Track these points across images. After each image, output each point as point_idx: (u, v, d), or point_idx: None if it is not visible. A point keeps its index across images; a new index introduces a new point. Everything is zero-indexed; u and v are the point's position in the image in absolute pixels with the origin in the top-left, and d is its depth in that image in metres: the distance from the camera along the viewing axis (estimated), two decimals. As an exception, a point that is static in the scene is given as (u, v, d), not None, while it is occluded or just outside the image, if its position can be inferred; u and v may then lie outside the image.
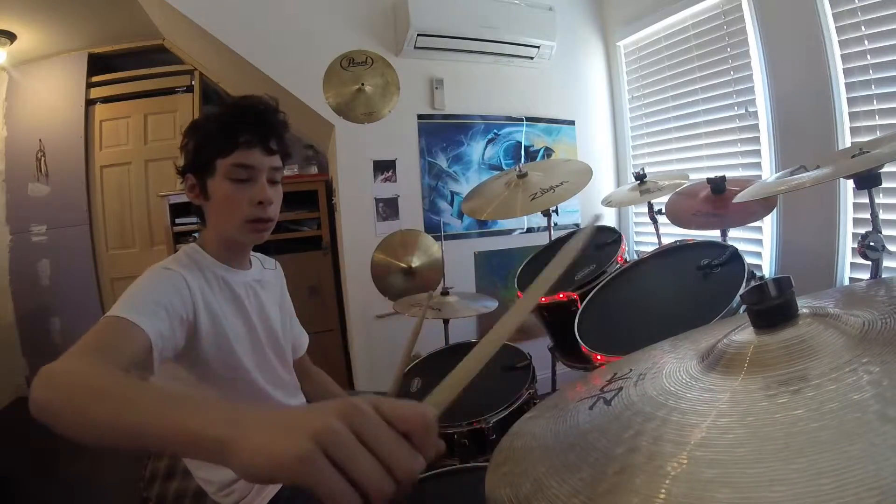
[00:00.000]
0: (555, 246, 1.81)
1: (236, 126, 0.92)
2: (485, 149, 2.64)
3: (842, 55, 1.72)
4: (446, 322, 1.86)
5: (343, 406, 0.38)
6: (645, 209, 1.95)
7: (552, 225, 1.94)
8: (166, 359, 0.81)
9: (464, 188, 2.55)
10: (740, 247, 1.16)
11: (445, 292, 1.80)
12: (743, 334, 0.46)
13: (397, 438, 0.38)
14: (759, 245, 2.12)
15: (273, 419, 0.40)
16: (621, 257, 1.42)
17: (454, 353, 1.63)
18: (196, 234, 2.62)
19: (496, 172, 2.48)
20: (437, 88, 2.51)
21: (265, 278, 1.11)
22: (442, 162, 2.55)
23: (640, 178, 1.87)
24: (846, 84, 1.73)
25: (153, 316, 0.77)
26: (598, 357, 1.04)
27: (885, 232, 1.14)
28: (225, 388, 0.94)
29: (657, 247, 1.45)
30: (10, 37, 2.83)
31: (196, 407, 0.46)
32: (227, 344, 0.93)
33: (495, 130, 2.66)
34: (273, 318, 1.08)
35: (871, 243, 1.08)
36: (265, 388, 1.02)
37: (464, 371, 0.46)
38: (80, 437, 0.52)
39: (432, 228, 2.43)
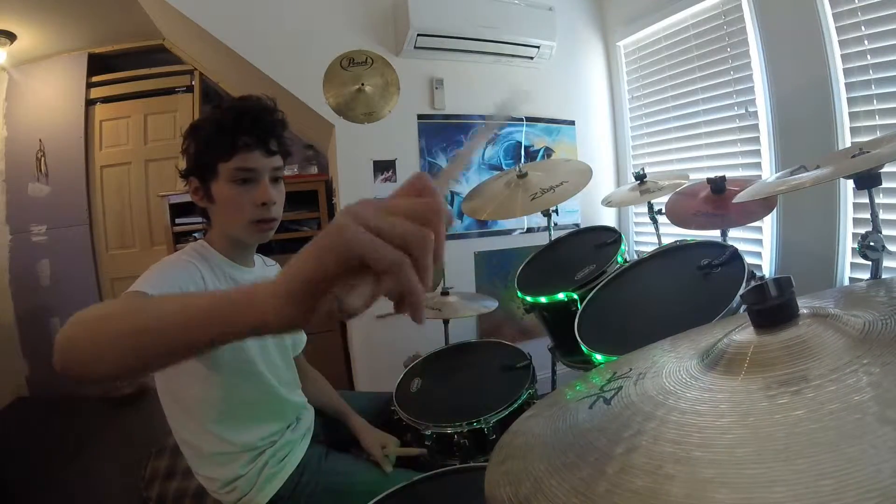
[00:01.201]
0: (555, 246, 1.81)
1: (235, 130, 0.92)
2: (485, 149, 2.64)
3: (842, 55, 1.72)
4: (446, 322, 1.86)
5: (356, 203, 0.40)
6: (645, 209, 1.95)
7: (552, 225, 1.94)
8: None
9: (464, 188, 2.55)
10: (740, 247, 1.16)
11: (445, 292, 1.80)
12: (743, 334, 0.46)
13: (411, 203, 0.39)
14: (759, 245, 2.12)
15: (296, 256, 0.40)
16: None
17: (454, 352, 1.64)
18: (196, 235, 2.62)
19: (496, 172, 2.48)
20: (437, 88, 2.51)
21: (268, 276, 1.11)
22: (442, 162, 2.55)
23: (640, 178, 1.87)
24: (846, 84, 1.73)
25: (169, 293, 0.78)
26: (598, 357, 1.04)
27: (885, 232, 1.13)
28: (233, 378, 0.96)
29: (657, 247, 1.45)
30: (10, 37, 2.83)
31: (213, 293, 0.49)
32: None
33: (495, 130, 2.66)
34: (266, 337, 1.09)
35: (871, 243, 1.08)
36: (270, 381, 1.03)
37: (462, 156, 0.48)
38: (103, 365, 0.50)
39: (432, 228, 2.43)
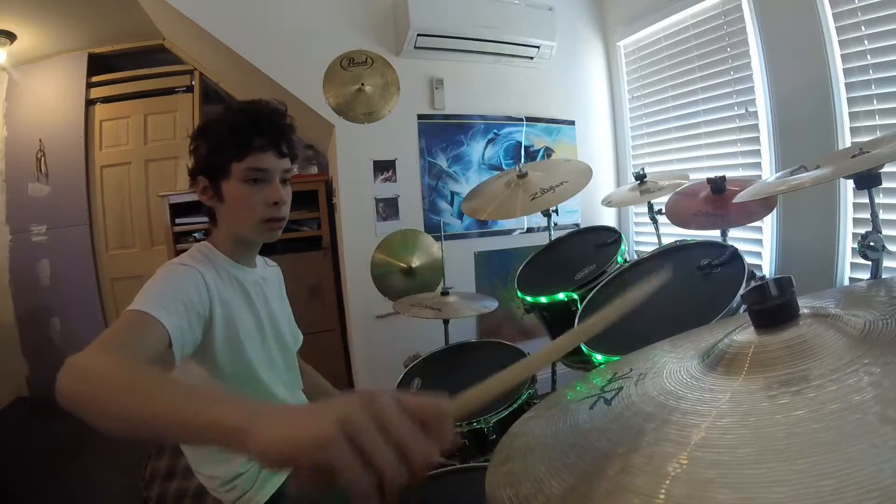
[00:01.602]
0: (555, 246, 1.81)
1: (250, 131, 0.95)
2: (485, 149, 2.64)
3: (842, 55, 1.72)
4: (446, 322, 1.86)
5: (363, 396, 0.40)
6: (645, 209, 1.95)
7: (552, 225, 1.94)
8: (187, 354, 0.84)
9: (464, 188, 2.55)
10: (740, 247, 1.16)
11: (445, 292, 1.80)
12: (744, 334, 0.46)
13: (413, 427, 0.39)
14: (759, 245, 2.12)
15: (293, 409, 0.46)
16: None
17: (454, 352, 1.64)
18: (196, 235, 2.62)
19: (496, 172, 2.48)
20: (437, 88, 2.51)
21: (268, 276, 1.15)
22: (442, 162, 2.55)
23: (640, 178, 1.87)
24: (846, 84, 1.73)
25: (173, 312, 0.79)
26: (598, 357, 1.04)
27: (885, 232, 1.13)
28: (232, 383, 0.96)
29: (657, 247, 1.45)
30: (10, 37, 2.83)
31: (216, 399, 0.50)
32: (237, 339, 0.95)
33: (495, 130, 2.66)
34: (278, 316, 1.11)
35: (871, 243, 1.08)
36: (270, 385, 1.03)
37: (494, 384, 0.47)
38: (107, 427, 0.54)
39: (432, 228, 2.43)
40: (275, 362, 1.07)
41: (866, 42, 1.65)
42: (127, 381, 0.58)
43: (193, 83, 3.23)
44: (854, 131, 1.73)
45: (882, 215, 1.26)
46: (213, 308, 0.90)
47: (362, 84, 1.87)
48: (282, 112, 1.00)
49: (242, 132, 0.95)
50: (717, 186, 1.61)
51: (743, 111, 2.14)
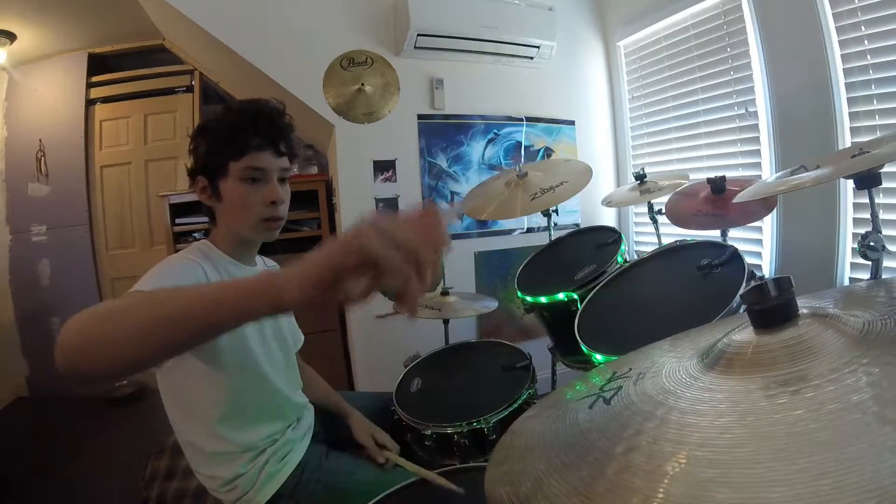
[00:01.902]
0: (555, 246, 1.81)
1: (247, 130, 0.95)
2: (485, 149, 2.64)
3: (842, 55, 1.72)
4: (446, 322, 1.86)
5: (376, 215, 0.48)
6: (645, 209, 1.95)
7: (552, 225, 1.94)
8: None
9: (464, 188, 2.55)
10: (740, 247, 1.16)
11: (445, 292, 1.80)
12: (743, 334, 0.46)
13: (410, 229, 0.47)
14: (759, 245, 2.12)
15: (308, 255, 0.48)
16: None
17: (454, 352, 1.64)
18: (196, 235, 2.62)
19: (496, 172, 2.48)
20: (437, 88, 2.51)
21: None
22: (442, 162, 2.55)
23: (640, 178, 1.87)
24: (846, 84, 1.73)
25: None
26: (598, 357, 1.04)
27: (885, 232, 1.13)
28: (236, 378, 0.96)
29: (657, 247, 1.45)
30: (10, 37, 2.83)
31: (230, 282, 0.54)
32: (240, 333, 0.95)
33: (495, 130, 2.66)
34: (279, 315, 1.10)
35: (871, 243, 1.08)
36: (273, 381, 1.04)
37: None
38: (131, 351, 0.51)
39: (432, 228, 2.43)
40: (275, 360, 1.08)
41: (866, 42, 1.65)
42: (138, 301, 0.56)
43: (193, 83, 3.23)
44: (854, 131, 1.73)
45: (882, 215, 1.26)
46: None
47: (362, 84, 1.88)
48: (280, 111, 1.01)
49: (240, 131, 0.95)
50: (717, 186, 1.61)
51: (743, 111, 2.14)
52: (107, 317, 0.54)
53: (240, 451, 0.99)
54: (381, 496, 0.85)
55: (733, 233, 1.89)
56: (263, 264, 1.17)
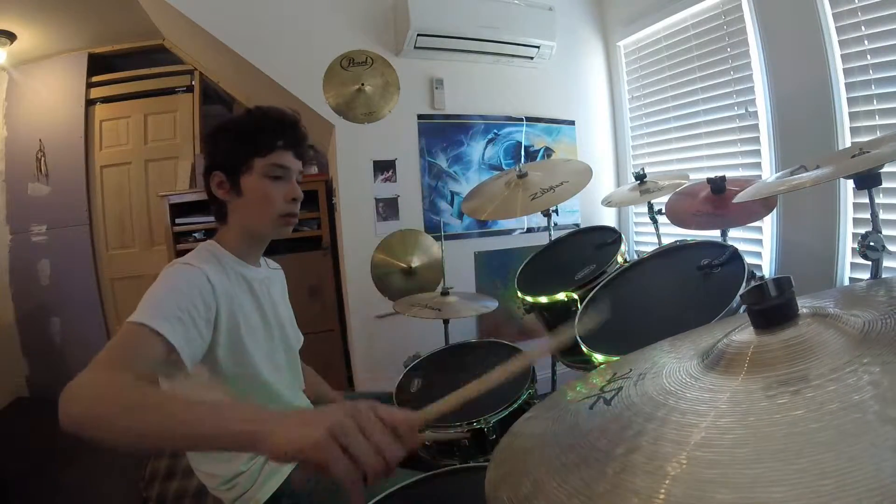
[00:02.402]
0: (555, 246, 1.81)
1: (275, 130, 1.02)
2: (485, 149, 2.64)
3: (842, 55, 1.72)
4: (446, 322, 1.86)
5: (349, 406, 0.55)
6: (645, 209, 1.95)
7: (552, 225, 1.94)
8: (198, 360, 0.85)
9: (464, 188, 2.55)
10: (740, 247, 1.16)
11: (445, 292, 1.80)
12: (743, 334, 0.46)
13: (386, 431, 0.55)
14: (759, 245, 2.12)
15: (293, 416, 0.56)
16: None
17: (454, 352, 1.63)
18: (196, 234, 2.62)
19: (496, 172, 2.48)
20: (437, 88, 2.51)
21: (273, 276, 1.17)
22: (442, 162, 2.55)
23: (640, 178, 1.87)
24: (846, 84, 1.73)
25: (177, 322, 0.80)
26: (598, 357, 1.04)
27: (885, 232, 1.13)
28: (238, 386, 0.96)
29: (657, 247, 1.45)
30: (10, 37, 2.83)
31: (226, 409, 0.62)
32: (238, 339, 0.96)
33: (495, 130, 2.66)
34: (282, 316, 1.13)
35: (871, 243, 1.08)
36: (273, 384, 1.04)
37: (457, 397, 0.61)
38: (116, 445, 0.59)
39: (432, 228, 2.43)
40: (279, 361, 1.09)
41: (866, 42, 1.65)
42: (134, 400, 0.63)
43: (193, 83, 3.23)
44: (854, 131, 1.73)
45: (882, 215, 1.26)
46: (220, 308, 0.91)
47: (362, 84, 1.88)
48: (299, 120, 1.08)
49: (268, 130, 1.01)
50: (717, 186, 1.61)
51: (743, 111, 2.14)
52: (112, 408, 0.62)
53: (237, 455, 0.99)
54: (381, 496, 0.85)
55: (733, 233, 1.89)
56: (267, 266, 1.17)
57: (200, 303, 0.87)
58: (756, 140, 2.09)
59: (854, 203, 1.76)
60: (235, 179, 1.01)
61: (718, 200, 1.61)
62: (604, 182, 2.94)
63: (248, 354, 0.98)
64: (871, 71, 1.65)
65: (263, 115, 1.03)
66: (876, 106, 1.66)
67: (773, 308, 0.44)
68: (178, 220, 2.66)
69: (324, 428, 0.52)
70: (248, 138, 1.01)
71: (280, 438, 0.53)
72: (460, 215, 2.58)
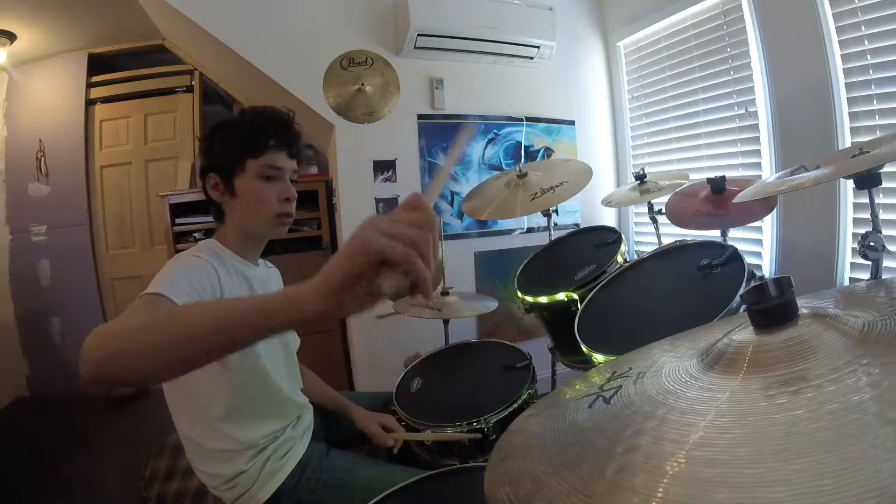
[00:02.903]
0: (555, 246, 1.81)
1: (267, 130, 1.02)
2: (485, 149, 2.64)
3: (842, 55, 1.72)
4: (446, 322, 1.86)
5: (370, 219, 0.51)
6: (645, 209, 1.95)
7: (552, 225, 1.94)
8: None
9: (464, 188, 2.55)
10: (740, 247, 1.16)
11: (445, 292, 1.80)
12: (743, 334, 0.46)
13: (408, 222, 0.51)
14: (759, 245, 2.12)
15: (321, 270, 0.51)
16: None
17: (454, 352, 1.64)
18: (196, 234, 2.62)
19: (496, 172, 2.48)
20: (437, 88, 2.51)
21: (270, 276, 1.18)
22: (442, 162, 2.55)
23: (640, 178, 1.87)
24: (846, 84, 1.73)
25: (186, 297, 0.80)
26: (598, 357, 1.04)
27: (885, 232, 1.13)
28: (240, 377, 0.97)
29: (657, 247, 1.45)
30: (10, 37, 2.83)
31: (253, 298, 0.57)
32: None
33: (495, 130, 2.66)
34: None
35: (871, 243, 1.08)
36: (275, 380, 1.05)
37: (439, 175, 0.63)
38: (146, 374, 0.57)
39: (432, 228, 2.43)
40: (278, 358, 1.09)
41: (866, 42, 1.65)
42: (167, 313, 0.62)
43: (193, 83, 3.23)
44: (854, 131, 1.73)
45: (882, 215, 1.26)
46: (224, 297, 0.92)
47: (362, 84, 1.88)
48: (293, 118, 1.08)
49: (260, 131, 1.01)
50: (717, 186, 1.61)
51: (743, 111, 2.13)
52: (139, 329, 0.58)
53: (241, 449, 1.00)
54: (381, 496, 0.85)
55: (733, 233, 1.88)
56: (265, 265, 1.18)
57: (208, 286, 0.88)
58: (756, 140, 2.09)
59: (854, 203, 1.76)
60: (230, 181, 1.02)
61: (718, 200, 1.60)
62: (604, 182, 2.94)
63: (251, 350, 0.98)
64: (871, 71, 1.65)
65: (255, 115, 1.04)
66: (876, 106, 1.66)
67: (773, 308, 0.44)
68: (178, 220, 2.66)
69: (361, 234, 0.48)
70: (240, 140, 1.01)
71: (323, 277, 0.49)
72: (460, 215, 2.58)
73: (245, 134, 1.01)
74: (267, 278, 1.14)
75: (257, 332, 0.53)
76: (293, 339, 1.24)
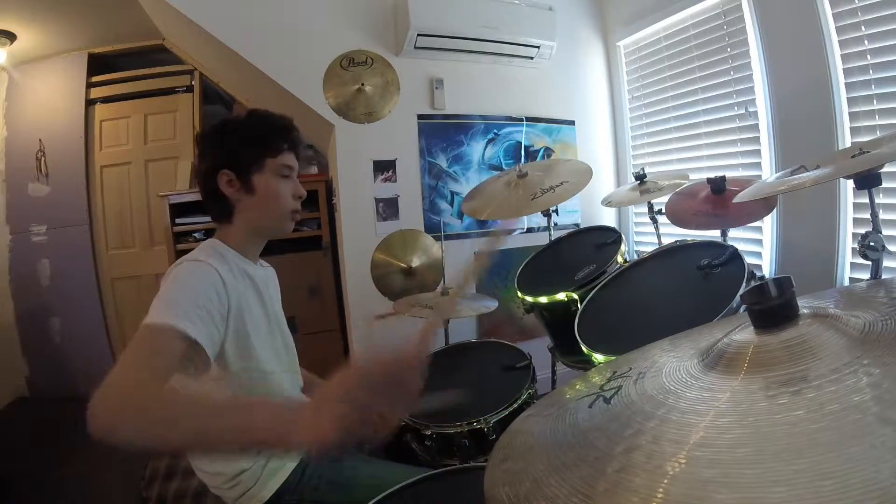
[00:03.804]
0: (555, 246, 1.81)
1: (283, 132, 1.07)
2: (485, 149, 2.64)
3: (842, 55, 1.72)
4: (446, 322, 1.86)
5: (356, 374, 0.61)
6: (645, 209, 1.95)
7: (552, 225, 1.94)
8: (216, 355, 0.88)
9: (464, 188, 2.55)
10: (740, 247, 1.16)
11: (445, 292, 1.80)
12: (743, 334, 0.46)
13: (394, 388, 0.61)
14: (759, 245, 2.12)
15: (306, 409, 0.61)
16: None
17: (454, 352, 1.64)
18: (196, 234, 2.62)
19: (496, 172, 2.48)
20: (437, 88, 2.51)
21: (269, 275, 1.19)
22: (442, 162, 2.55)
23: (640, 178, 1.87)
24: (846, 84, 1.73)
25: (198, 320, 0.82)
26: (598, 357, 1.04)
27: (885, 232, 1.13)
28: (245, 380, 0.97)
29: (657, 247, 1.45)
30: (10, 37, 2.83)
31: (247, 411, 0.64)
32: (244, 333, 0.97)
33: (495, 130, 2.66)
34: (279, 313, 1.15)
35: (871, 243, 1.08)
36: (280, 382, 1.06)
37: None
38: (143, 452, 0.69)
39: (432, 228, 2.43)
40: (280, 356, 1.10)
41: (866, 42, 1.65)
42: (168, 413, 0.65)
43: (193, 83, 3.23)
44: (854, 131, 1.73)
45: (882, 215, 1.26)
46: (230, 302, 0.93)
47: (362, 84, 1.88)
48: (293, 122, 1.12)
49: (279, 132, 1.06)
50: (717, 186, 1.61)
51: (743, 111, 2.13)
52: (143, 421, 0.63)
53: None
54: (381, 496, 0.85)
55: (733, 233, 1.88)
56: (261, 266, 1.18)
57: (215, 297, 0.88)
58: (756, 140, 2.09)
59: (854, 203, 1.76)
60: (247, 178, 1.03)
61: (718, 200, 1.61)
62: (604, 182, 2.94)
63: (252, 349, 0.99)
64: (871, 71, 1.65)
65: (267, 117, 1.08)
66: (876, 106, 1.66)
67: (773, 308, 0.44)
68: (178, 220, 2.66)
69: (334, 422, 0.57)
70: (259, 139, 1.05)
71: (301, 436, 0.58)
72: (460, 215, 2.58)
73: (265, 133, 1.05)
74: (267, 278, 1.15)
75: (256, 444, 0.65)
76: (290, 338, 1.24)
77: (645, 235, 2.85)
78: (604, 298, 1.29)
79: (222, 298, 0.90)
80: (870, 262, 1.10)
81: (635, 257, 1.74)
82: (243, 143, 1.04)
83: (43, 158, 3.10)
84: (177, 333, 0.77)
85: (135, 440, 0.61)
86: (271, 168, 1.04)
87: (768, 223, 2.05)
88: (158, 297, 0.83)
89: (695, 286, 1.14)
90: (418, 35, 2.29)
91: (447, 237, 2.38)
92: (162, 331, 0.77)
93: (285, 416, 0.61)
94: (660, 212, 1.83)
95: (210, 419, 0.63)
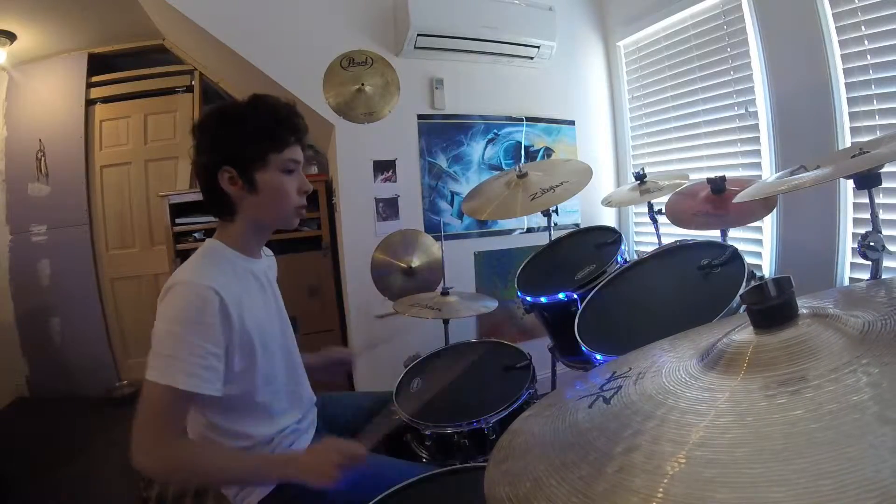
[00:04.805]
0: (555, 246, 1.81)
1: (287, 124, 1.00)
2: (485, 149, 2.64)
3: (842, 55, 1.72)
4: (446, 322, 1.86)
5: (335, 450, 0.91)
6: (645, 209, 1.95)
7: (552, 225, 1.94)
8: (222, 385, 0.90)
9: (464, 188, 2.54)
10: (740, 247, 1.16)
11: (445, 292, 1.80)
12: (743, 334, 0.46)
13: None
14: (759, 245, 2.12)
15: (309, 461, 0.90)
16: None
17: (454, 352, 1.63)
18: (196, 234, 2.62)
19: (496, 172, 2.48)
20: (437, 88, 2.51)
21: (270, 265, 1.18)
22: (442, 162, 2.55)
23: (640, 178, 1.87)
24: (846, 84, 1.73)
25: (202, 371, 0.84)
26: (598, 357, 1.04)
27: (885, 232, 1.13)
28: (257, 382, 0.98)
29: (657, 247, 1.45)
30: (10, 37, 2.83)
31: (264, 464, 0.93)
32: (252, 344, 0.97)
33: (495, 130, 2.66)
34: (280, 302, 1.14)
35: (871, 243, 1.08)
36: (289, 384, 1.08)
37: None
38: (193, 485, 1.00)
39: (432, 228, 2.43)
40: (293, 364, 1.12)
41: (866, 42, 1.65)
42: (201, 469, 0.88)
43: (193, 83, 3.23)
44: (854, 131, 1.73)
45: (882, 215, 1.26)
46: (232, 320, 0.90)
47: (362, 84, 1.88)
48: (296, 108, 1.04)
49: (282, 125, 0.99)
50: (717, 186, 1.61)
51: (743, 111, 2.13)
52: (181, 477, 0.93)
53: (253, 445, 1.00)
54: (381, 495, 0.86)
55: (733, 233, 1.89)
56: (264, 255, 1.17)
57: (212, 334, 0.87)
58: (756, 140, 2.09)
59: (854, 203, 1.76)
60: (249, 175, 0.97)
61: (718, 200, 1.61)
62: (604, 182, 2.94)
63: (268, 358, 1.00)
64: (871, 71, 1.65)
65: (271, 107, 0.99)
66: (876, 106, 1.66)
67: (772, 308, 0.44)
68: (178, 220, 2.66)
69: (332, 470, 0.87)
70: (261, 133, 0.97)
71: (306, 476, 0.87)
72: (460, 215, 2.58)
73: (268, 126, 0.97)
74: (269, 268, 1.14)
75: (263, 481, 0.96)
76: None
77: (645, 235, 2.85)
78: (604, 298, 1.29)
79: (224, 327, 0.89)
80: (870, 262, 1.10)
81: (635, 257, 1.75)
82: (246, 137, 0.96)
83: (43, 158, 3.10)
84: (182, 394, 0.82)
85: (175, 485, 0.79)
86: (276, 164, 0.98)
87: (768, 223, 2.05)
88: (156, 343, 0.84)
89: (695, 286, 1.14)
90: (418, 35, 2.29)
91: (447, 237, 2.38)
92: (166, 393, 0.81)
93: (292, 465, 0.90)
94: (660, 212, 1.83)
95: (236, 472, 0.92)
